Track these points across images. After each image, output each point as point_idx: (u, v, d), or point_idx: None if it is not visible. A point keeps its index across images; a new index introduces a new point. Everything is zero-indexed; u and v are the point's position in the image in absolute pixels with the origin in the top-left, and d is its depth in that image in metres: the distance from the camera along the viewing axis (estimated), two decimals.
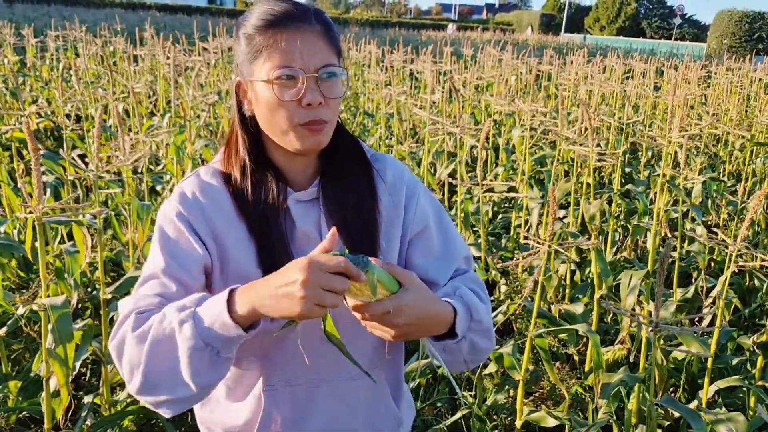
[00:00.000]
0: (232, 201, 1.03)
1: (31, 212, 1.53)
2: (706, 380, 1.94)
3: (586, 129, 3.70)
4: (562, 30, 41.01)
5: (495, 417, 2.52)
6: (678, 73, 6.61)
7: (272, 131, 1.01)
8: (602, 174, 5.13)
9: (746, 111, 6.78)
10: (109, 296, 1.99)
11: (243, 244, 1.02)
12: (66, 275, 2.40)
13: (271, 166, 1.05)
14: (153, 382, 0.88)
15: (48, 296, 1.66)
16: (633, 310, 2.08)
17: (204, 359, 0.85)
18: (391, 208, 1.10)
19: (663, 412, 2.44)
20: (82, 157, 4.62)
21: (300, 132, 0.99)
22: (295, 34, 0.96)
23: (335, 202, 1.05)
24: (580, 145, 3.02)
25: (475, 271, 1.78)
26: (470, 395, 2.57)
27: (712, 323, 2.32)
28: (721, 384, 2.12)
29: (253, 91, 1.00)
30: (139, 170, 3.11)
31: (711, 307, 2.19)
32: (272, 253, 1.01)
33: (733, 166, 5.50)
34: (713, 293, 2.05)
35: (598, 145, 2.56)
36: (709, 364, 1.91)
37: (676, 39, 34.71)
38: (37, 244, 3.21)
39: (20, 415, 2.33)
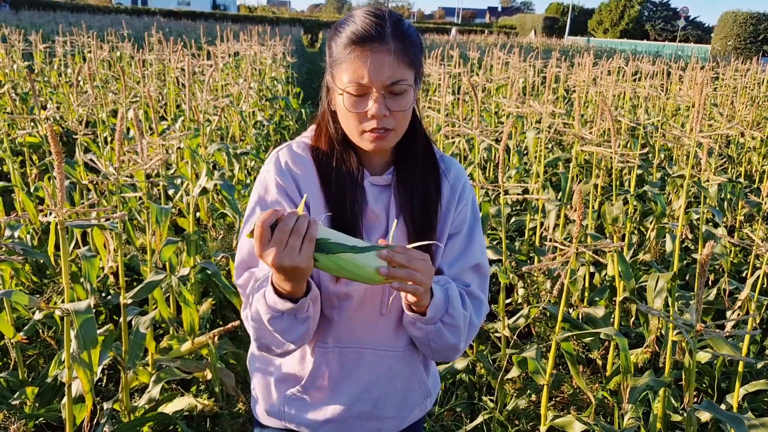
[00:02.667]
0: (316, 173, 1.18)
1: (54, 216, 1.51)
2: (737, 384, 1.90)
3: (604, 131, 3.67)
4: (566, 33, 40.99)
5: (517, 422, 2.48)
6: (693, 72, 6.57)
7: (346, 130, 1.16)
8: (613, 176, 5.09)
9: (756, 112, 6.73)
10: (129, 301, 1.97)
11: (320, 213, 1.16)
12: (82, 280, 2.38)
13: (353, 149, 1.20)
14: (264, 345, 1.12)
15: (63, 301, 1.64)
16: (667, 313, 2.04)
17: (284, 322, 1.05)
18: (448, 203, 1.24)
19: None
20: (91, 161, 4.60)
21: (366, 137, 1.13)
22: (368, 53, 1.08)
23: (405, 190, 1.20)
24: (598, 145, 2.99)
25: (496, 274, 1.84)
26: (490, 400, 2.53)
27: (737, 326, 2.28)
28: (750, 388, 2.08)
29: (334, 94, 1.15)
30: (152, 174, 3.09)
31: (737, 310, 2.16)
32: (345, 224, 1.15)
33: (749, 168, 5.46)
34: (741, 296, 2.01)
35: (618, 146, 2.54)
36: (740, 368, 1.87)
37: (680, 41, 34.65)
38: (48, 249, 3.21)
39: (36, 422, 2.30)
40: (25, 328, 2.38)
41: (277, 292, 1.02)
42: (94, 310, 2.77)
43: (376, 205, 1.20)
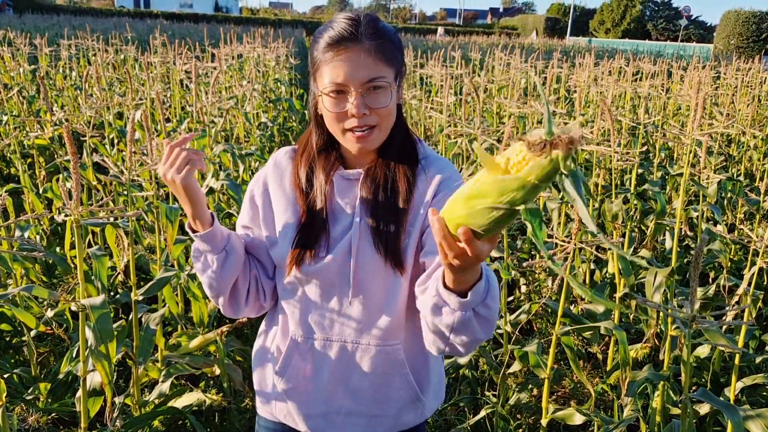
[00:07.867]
0: (293, 172, 1.26)
1: (69, 214, 1.56)
2: (734, 377, 1.95)
3: (604, 131, 3.71)
4: (568, 33, 41.01)
5: (519, 416, 2.53)
6: (694, 72, 6.61)
7: (332, 132, 1.20)
8: (613, 175, 5.12)
9: (757, 111, 6.76)
10: (140, 297, 2.02)
11: (292, 206, 1.24)
12: (93, 278, 2.43)
13: (336, 149, 1.25)
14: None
15: (74, 299, 1.69)
16: (663, 304, 2.08)
17: (199, 262, 1.23)
18: (420, 196, 1.20)
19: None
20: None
21: (349, 137, 1.16)
22: (344, 53, 1.11)
23: (371, 185, 1.20)
24: (597, 144, 3.03)
25: (498, 270, 1.85)
26: (492, 395, 2.58)
27: (735, 319, 2.32)
28: (747, 381, 2.12)
29: (317, 99, 1.18)
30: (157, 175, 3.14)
31: (735, 305, 2.19)
32: (312, 214, 1.21)
33: (750, 166, 5.49)
34: (739, 291, 2.05)
35: (618, 145, 2.58)
36: (736, 361, 1.92)
37: (682, 40, 34.64)
38: (58, 249, 3.26)
39: (49, 417, 2.36)
40: (42, 320, 2.43)
41: (190, 227, 1.23)
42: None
43: (342, 198, 1.21)
